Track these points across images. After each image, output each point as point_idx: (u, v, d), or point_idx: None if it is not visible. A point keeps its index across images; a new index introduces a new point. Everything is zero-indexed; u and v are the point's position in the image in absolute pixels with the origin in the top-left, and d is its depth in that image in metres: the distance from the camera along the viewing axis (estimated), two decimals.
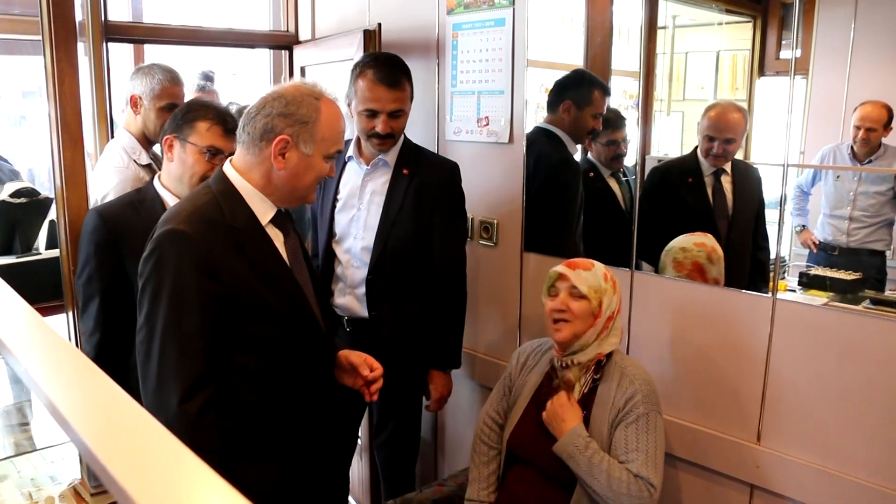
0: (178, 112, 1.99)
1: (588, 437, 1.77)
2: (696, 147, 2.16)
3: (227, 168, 1.61)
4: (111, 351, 1.91)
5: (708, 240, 2.10)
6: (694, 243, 2.10)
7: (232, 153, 1.70)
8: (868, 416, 1.75)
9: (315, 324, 1.67)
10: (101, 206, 2.00)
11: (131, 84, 2.37)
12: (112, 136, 2.64)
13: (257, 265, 1.55)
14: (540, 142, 2.45)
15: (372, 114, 2.18)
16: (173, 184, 1.97)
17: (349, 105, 2.27)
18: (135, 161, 2.32)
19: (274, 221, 1.62)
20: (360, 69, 2.21)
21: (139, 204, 1.96)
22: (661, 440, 1.80)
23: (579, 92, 2.39)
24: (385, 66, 2.20)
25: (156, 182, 2.00)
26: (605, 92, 2.35)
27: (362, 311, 2.34)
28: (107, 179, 2.26)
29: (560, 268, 1.90)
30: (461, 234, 2.41)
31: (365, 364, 1.74)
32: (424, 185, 2.27)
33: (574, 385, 1.88)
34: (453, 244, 2.36)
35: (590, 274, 1.87)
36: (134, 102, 2.37)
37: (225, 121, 1.95)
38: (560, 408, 1.82)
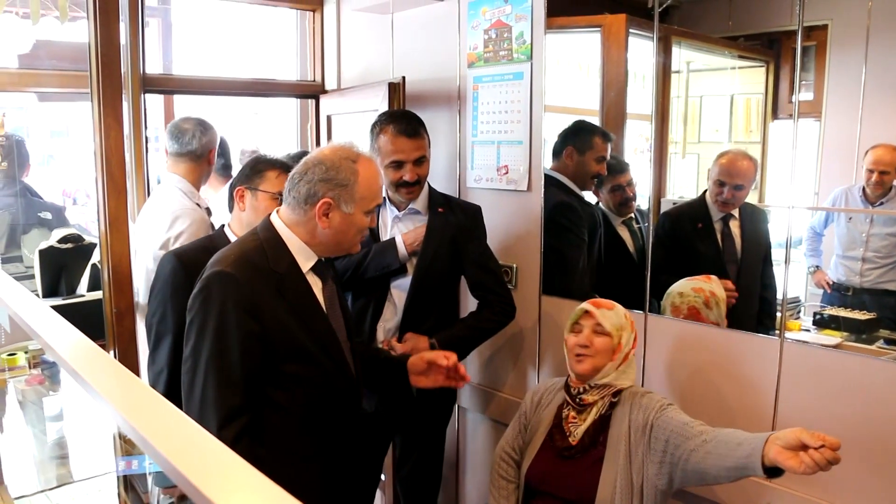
0: (245, 166, 2.15)
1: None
2: (705, 192, 2.23)
3: (275, 218, 1.74)
4: (179, 388, 2.00)
5: (707, 284, 2.16)
6: (692, 289, 2.17)
7: None
8: (875, 454, 1.80)
9: (345, 367, 1.77)
10: (177, 249, 2.13)
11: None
12: (148, 183, 2.81)
13: (296, 309, 1.66)
14: (545, 188, 2.56)
15: (398, 165, 2.31)
16: (244, 231, 2.09)
17: None
18: (197, 204, 2.51)
19: (314, 269, 1.74)
20: (379, 127, 2.36)
21: (213, 250, 2.07)
22: None
23: (580, 138, 2.51)
24: (402, 119, 2.35)
25: (226, 229, 2.14)
26: (606, 138, 2.47)
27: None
28: (180, 221, 2.44)
29: (586, 305, 1.99)
30: (494, 258, 2.49)
31: (441, 356, 1.92)
32: (454, 224, 2.40)
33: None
34: (492, 267, 2.45)
35: (612, 313, 1.97)
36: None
37: (291, 170, 2.09)
38: None
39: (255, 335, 1.59)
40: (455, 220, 2.40)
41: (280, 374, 1.64)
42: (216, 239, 2.12)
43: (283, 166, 2.11)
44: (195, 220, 2.46)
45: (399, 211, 2.43)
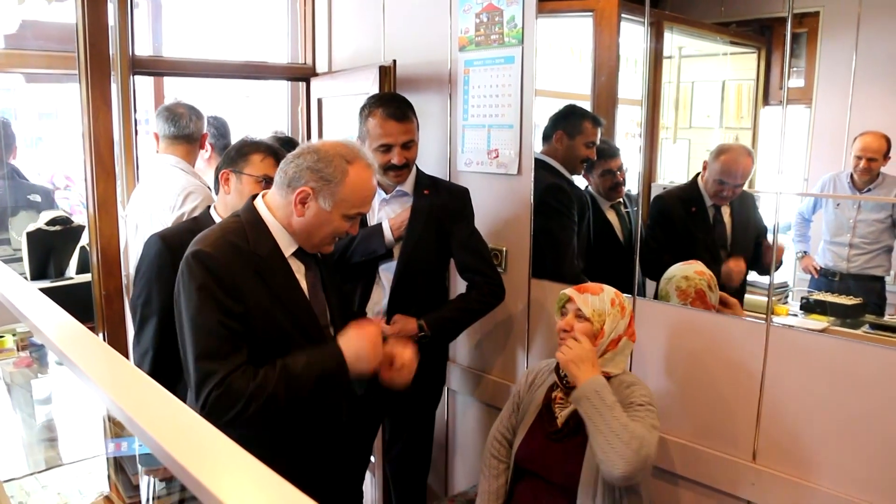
0: (230, 149, 2.14)
1: (605, 384, 1.82)
2: (697, 175, 2.24)
3: (258, 201, 1.73)
4: (164, 369, 2.01)
5: (704, 267, 2.18)
6: (695, 271, 2.18)
7: None
8: (858, 435, 1.82)
9: None
10: (163, 231, 2.12)
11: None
12: (137, 165, 2.81)
13: (276, 292, 1.66)
14: (535, 171, 2.56)
15: (386, 148, 2.31)
16: (229, 214, 2.09)
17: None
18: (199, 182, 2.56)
19: (297, 254, 1.73)
20: (368, 110, 2.35)
21: (198, 232, 2.05)
22: (654, 432, 1.82)
23: (570, 122, 2.51)
24: (391, 103, 2.35)
25: (212, 212, 2.13)
26: (596, 123, 2.47)
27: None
28: (193, 197, 2.48)
29: (569, 291, 2.00)
30: (481, 240, 2.49)
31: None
32: (439, 207, 2.40)
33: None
34: (479, 248, 2.45)
35: (596, 298, 1.96)
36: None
37: (276, 153, 2.08)
38: (583, 351, 1.85)
39: (235, 314, 1.59)
40: (440, 202, 2.40)
41: (261, 356, 1.64)
42: (201, 221, 2.11)
43: (269, 150, 2.10)
44: (206, 196, 2.49)
45: (387, 194, 2.43)
